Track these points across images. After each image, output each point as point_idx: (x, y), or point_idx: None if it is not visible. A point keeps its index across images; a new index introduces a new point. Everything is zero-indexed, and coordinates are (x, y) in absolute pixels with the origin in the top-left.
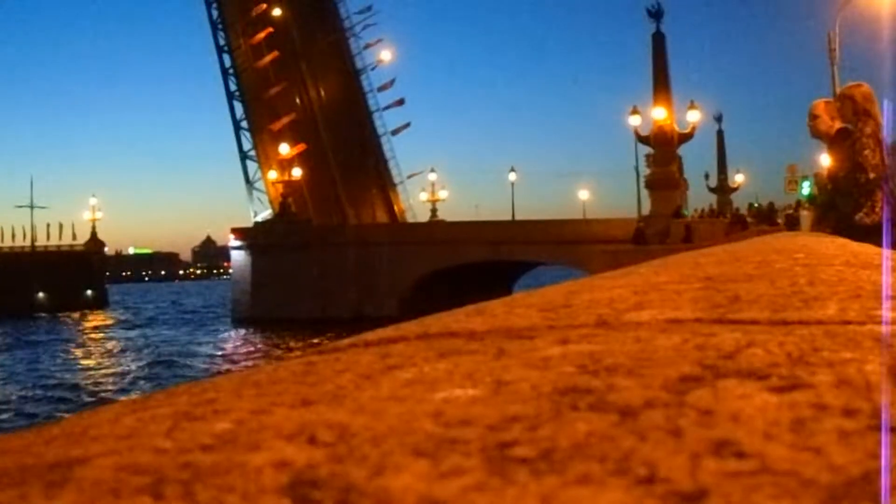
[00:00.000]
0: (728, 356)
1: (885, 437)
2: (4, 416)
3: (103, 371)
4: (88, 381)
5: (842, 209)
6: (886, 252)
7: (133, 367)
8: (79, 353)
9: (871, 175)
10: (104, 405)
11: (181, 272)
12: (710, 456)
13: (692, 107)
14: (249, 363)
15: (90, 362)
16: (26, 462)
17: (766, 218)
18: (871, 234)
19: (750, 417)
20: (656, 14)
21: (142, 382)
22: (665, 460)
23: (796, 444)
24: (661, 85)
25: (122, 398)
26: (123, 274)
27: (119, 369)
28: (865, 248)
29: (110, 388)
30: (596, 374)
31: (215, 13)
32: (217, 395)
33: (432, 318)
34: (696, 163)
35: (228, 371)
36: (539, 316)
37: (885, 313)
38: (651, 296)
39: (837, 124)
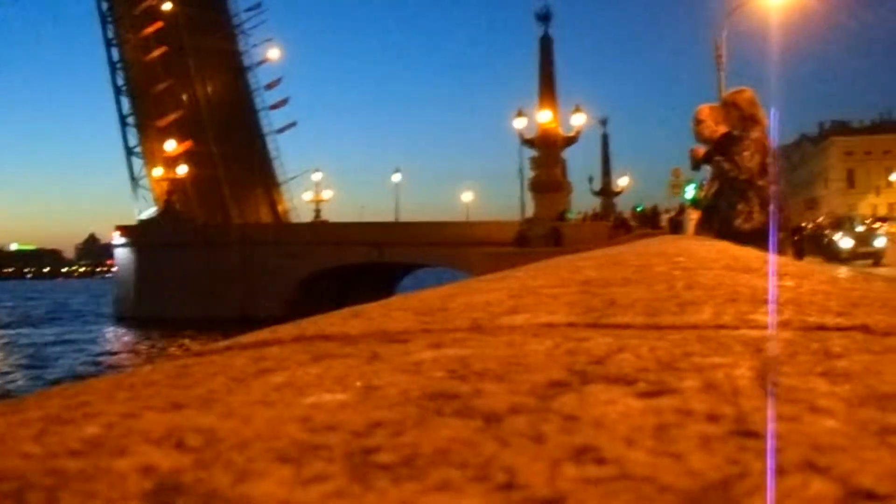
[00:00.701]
0: (598, 361)
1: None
2: None
3: None
4: None
5: (723, 212)
6: (769, 256)
7: (7, 368)
8: None
9: (743, 177)
10: None
11: (65, 270)
12: (569, 462)
13: (577, 110)
14: (130, 364)
15: None
16: None
17: (650, 221)
18: (751, 240)
19: (613, 423)
20: (544, 17)
21: (16, 384)
22: (525, 466)
23: (657, 450)
24: (547, 88)
25: None
26: (5, 270)
27: None
28: (746, 252)
29: None
30: (465, 378)
31: (104, 5)
32: (90, 398)
33: (309, 320)
34: (582, 166)
35: (107, 372)
36: (415, 319)
37: (760, 317)
38: (527, 299)
39: (722, 129)
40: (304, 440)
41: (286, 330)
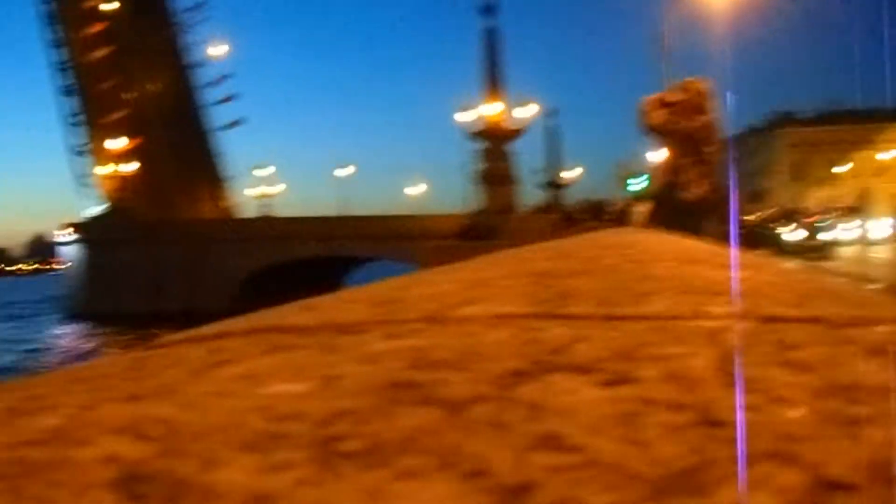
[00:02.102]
0: (556, 351)
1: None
2: None
3: None
4: None
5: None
6: (716, 248)
7: None
8: None
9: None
10: None
11: (10, 268)
12: (536, 450)
13: (524, 102)
14: (80, 358)
15: None
16: None
17: (597, 214)
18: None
19: (577, 412)
20: (487, 10)
21: None
22: (491, 454)
23: (623, 438)
24: (493, 80)
25: None
26: None
27: None
28: (696, 245)
29: None
30: (423, 368)
31: (47, 6)
32: (45, 390)
33: (262, 313)
34: (530, 159)
35: (58, 367)
36: (368, 311)
37: (715, 308)
38: (480, 291)
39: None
40: (267, 429)
41: (239, 323)
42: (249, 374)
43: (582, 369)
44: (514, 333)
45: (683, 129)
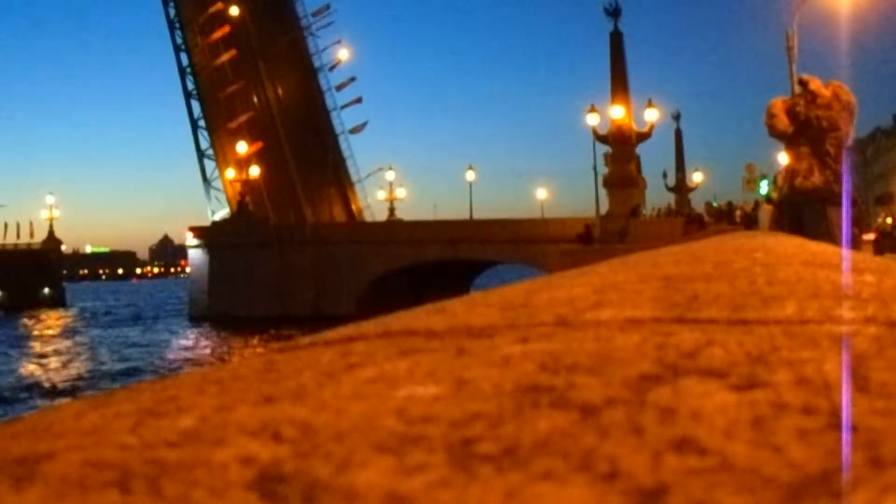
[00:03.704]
0: (687, 355)
1: (846, 436)
2: None
3: (59, 369)
4: (44, 380)
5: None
6: (845, 252)
7: (90, 365)
8: (34, 351)
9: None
10: (64, 402)
11: (138, 271)
12: (671, 453)
13: (650, 105)
14: (208, 361)
15: (45, 361)
16: None
17: (725, 217)
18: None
19: (710, 415)
20: (614, 12)
21: (99, 380)
22: (627, 457)
23: (756, 442)
24: (619, 83)
25: (82, 396)
26: (81, 272)
27: (76, 367)
28: (823, 248)
29: (67, 386)
30: (556, 372)
31: (172, 12)
32: (179, 392)
33: (392, 316)
34: (655, 161)
35: (187, 369)
36: (499, 315)
37: (844, 313)
38: (610, 295)
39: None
40: (402, 431)
41: (369, 326)
42: (382, 376)
43: (714, 373)
44: (646, 337)
45: (808, 118)
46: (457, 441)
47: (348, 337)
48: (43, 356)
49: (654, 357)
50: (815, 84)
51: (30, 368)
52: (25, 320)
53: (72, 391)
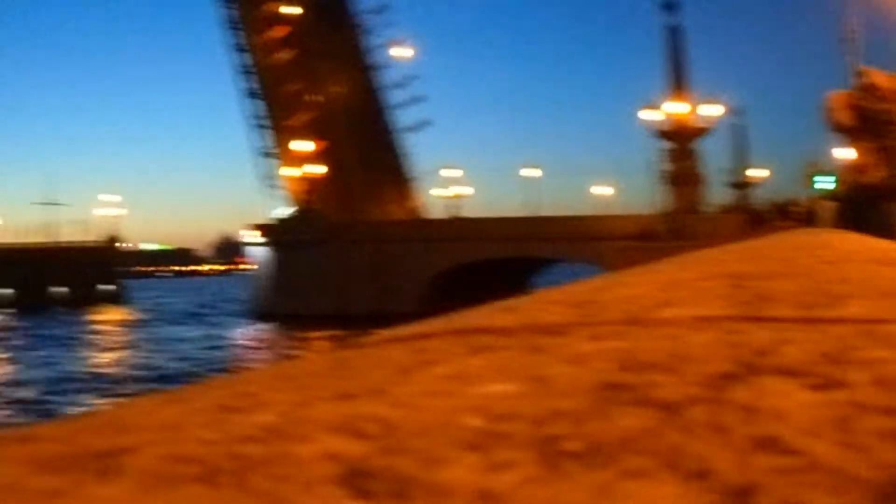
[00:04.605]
0: (762, 353)
1: None
2: (29, 407)
3: (123, 365)
4: (108, 376)
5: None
6: None
7: (155, 361)
8: (98, 347)
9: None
10: (138, 398)
11: (197, 268)
12: (757, 452)
13: (711, 101)
14: (274, 358)
15: (109, 357)
16: (74, 450)
17: (784, 214)
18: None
19: (791, 415)
20: (670, 6)
21: (166, 376)
22: (713, 456)
23: (841, 442)
24: (677, 78)
25: (151, 392)
26: (140, 269)
27: (140, 363)
28: (887, 245)
29: (133, 382)
30: (633, 370)
31: (230, 12)
32: (253, 388)
33: (460, 314)
34: (716, 158)
35: (254, 365)
36: (568, 312)
37: None
38: (677, 293)
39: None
40: (486, 428)
41: (439, 323)
42: (458, 374)
43: (791, 372)
44: (718, 336)
45: (870, 111)
46: (541, 438)
47: (418, 334)
48: (103, 353)
49: (729, 355)
50: (877, 77)
51: (90, 365)
52: (86, 317)
53: (134, 388)
